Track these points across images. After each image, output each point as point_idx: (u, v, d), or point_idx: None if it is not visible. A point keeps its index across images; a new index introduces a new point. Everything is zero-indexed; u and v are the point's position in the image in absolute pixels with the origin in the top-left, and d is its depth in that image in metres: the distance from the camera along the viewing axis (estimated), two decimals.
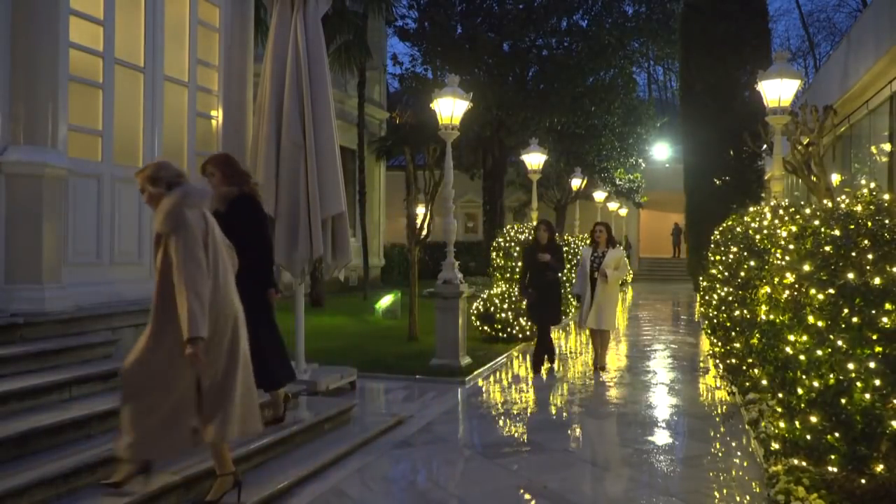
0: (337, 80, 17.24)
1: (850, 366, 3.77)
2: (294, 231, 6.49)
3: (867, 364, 3.75)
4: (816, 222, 4.32)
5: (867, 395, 3.74)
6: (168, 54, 6.68)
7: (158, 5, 6.57)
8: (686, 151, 22.69)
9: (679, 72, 25.01)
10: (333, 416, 5.95)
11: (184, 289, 3.71)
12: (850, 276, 3.87)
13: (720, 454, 5.70)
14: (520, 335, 10.86)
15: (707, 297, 9.88)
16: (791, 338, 4.14)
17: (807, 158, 11.44)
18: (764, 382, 4.89)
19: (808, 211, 5.02)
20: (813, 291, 4.01)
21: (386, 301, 13.96)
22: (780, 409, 4.38)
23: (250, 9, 7.50)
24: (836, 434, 3.84)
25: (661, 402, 7.54)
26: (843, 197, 4.96)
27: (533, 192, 16.66)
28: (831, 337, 3.88)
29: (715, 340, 8.36)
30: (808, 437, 3.95)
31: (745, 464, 5.32)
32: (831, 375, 3.83)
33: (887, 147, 13.28)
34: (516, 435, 6.29)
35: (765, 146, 15.65)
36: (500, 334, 10.89)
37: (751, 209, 7.94)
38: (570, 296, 11.89)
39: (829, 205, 5.05)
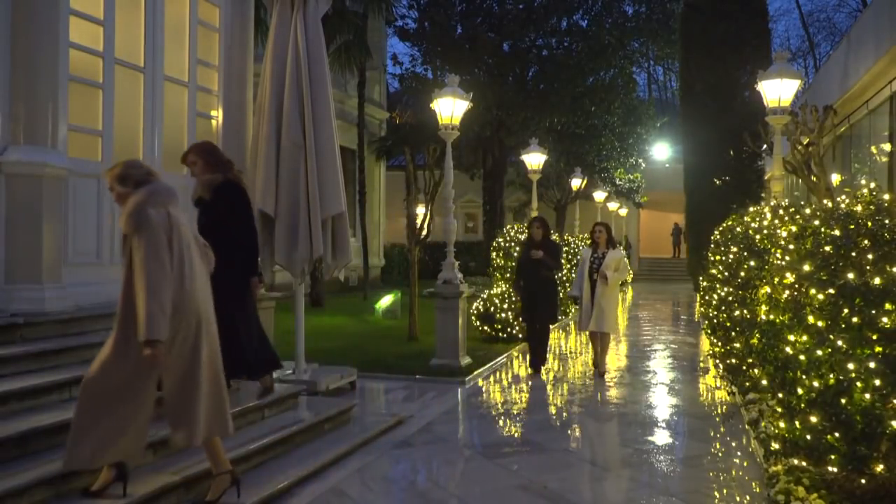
0: (337, 80, 17.24)
1: (850, 366, 3.77)
2: (294, 231, 6.50)
3: (867, 364, 3.75)
4: (816, 222, 4.33)
5: (867, 395, 3.74)
6: (168, 54, 6.67)
7: (158, 5, 6.56)
8: (686, 151, 22.69)
9: (679, 72, 25.02)
10: (333, 416, 5.95)
11: (143, 290, 3.64)
12: (850, 276, 3.87)
13: (720, 454, 5.70)
14: (520, 335, 10.84)
15: (707, 297, 9.88)
16: (791, 338, 4.14)
17: (807, 158, 11.44)
18: (764, 382, 4.89)
19: (808, 211, 5.02)
20: (813, 291, 4.01)
21: (386, 301, 13.96)
22: (780, 409, 4.38)
23: (250, 9, 7.50)
24: (836, 434, 3.84)
25: (661, 402, 7.53)
26: (843, 197, 4.96)
27: (533, 192, 16.66)
28: (831, 337, 3.88)
29: (715, 340, 8.36)
30: (808, 437, 3.95)
31: (745, 464, 5.32)
32: (831, 375, 3.84)
33: (887, 147, 13.28)
34: (516, 435, 6.29)
35: (765, 146, 15.64)
36: (500, 334, 10.88)
37: (751, 209, 7.94)
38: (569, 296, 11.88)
39: (829, 205, 5.05)
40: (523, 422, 6.77)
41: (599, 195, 25.71)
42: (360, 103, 18.53)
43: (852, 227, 4.10)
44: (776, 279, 4.60)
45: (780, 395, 4.32)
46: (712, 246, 9.71)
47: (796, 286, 4.25)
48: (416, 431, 6.16)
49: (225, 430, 4.10)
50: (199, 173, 5.17)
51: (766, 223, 6.16)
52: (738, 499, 4.65)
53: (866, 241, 4.01)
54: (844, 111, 15.46)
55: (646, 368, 9.47)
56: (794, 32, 61.11)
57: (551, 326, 9.44)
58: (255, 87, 7.13)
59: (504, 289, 11.42)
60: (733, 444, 5.88)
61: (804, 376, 3.96)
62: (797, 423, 4.01)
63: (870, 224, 4.09)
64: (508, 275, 11.85)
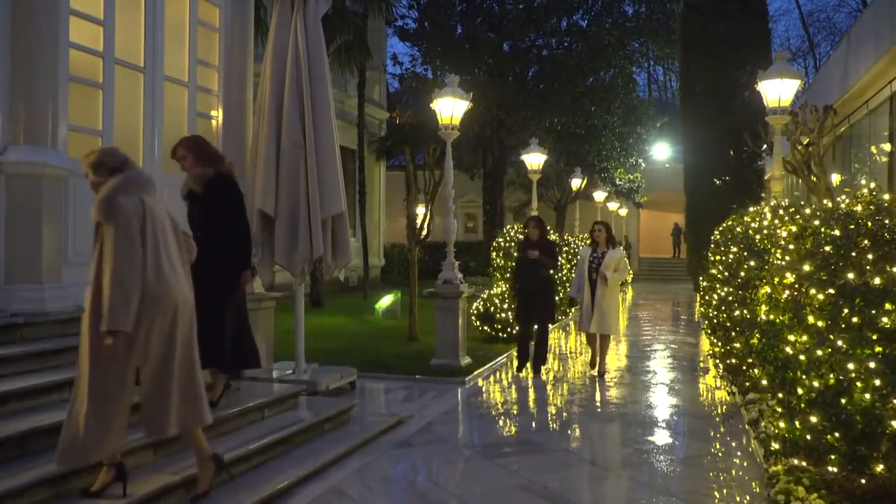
0: (337, 80, 17.25)
1: (850, 366, 3.77)
2: (294, 231, 6.50)
3: (867, 364, 3.75)
4: (816, 222, 4.33)
5: (867, 395, 3.74)
6: (168, 54, 6.67)
7: (158, 5, 6.56)
8: (686, 151, 22.69)
9: (679, 72, 25.01)
10: (333, 416, 5.95)
11: (110, 279, 3.59)
12: (850, 276, 3.87)
13: (720, 454, 5.70)
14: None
15: (707, 297, 9.87)
16: (791, 338, 4.14)
17: (807, 158, 11.45)
18: (764, 382, 4.88)
19: (808, 211, 5.02)
20: (813, 291, 4.01)
21: (386, 301, 13.96)
22: (780, 409, 4.38)
23: (250, 9, 7.50)
24: (836, 434, 3.84)
25: (661, 402, 7.53)
26: (843, 197, 4.96)
27: (533, 192, 16.66)
28: (831, 337, 3.88)
29: (715, 340, 8.35)
30: (808, 437, 3.95)
31: (745, 464, 5.32)
32: (831, 375, 3.83)
33: (887, 147, 13.28)
34: (516, 435, 6.29)
35: (765, 146, 15.65)
36: (500, 334, 10.88)
37: (751, 209, 7.93)
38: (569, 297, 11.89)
39: (829, 205, 5.05)
40: (523, 422, 6.76)
41: (599, 195, 25.71)
42: (360, 103, 18.53)
43: (852, 227, 4.10)
44: (776, 279, 4.60)
45: (780, 395, 4.32)
46: (712, 246, 9.71)
47: (796, 286, 4.25)
48: (416, 431, 6.16)
49: (200, 420, 4.04)
50: (189, 167, 5.12)
51: (766, 223, 6.16)
52: (738, 499, 4.65)
53: (866, 241, 4.01)
54: (844, 111, 15.46)
55: (646, 368, 9.47)
56: (794, 32, 61.17)
57: (550, 326, 9.41)
58: (255, 87, 7.13)
59: (504, 289, 11.42)
60: (733, 444, 5.88)
61: (804, 376, 3.96)
62: (797, 423, 4.01)
63: (870, 224, 4.09)
64: (508, 275, 11.84)
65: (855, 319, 3.84)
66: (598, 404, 7.43)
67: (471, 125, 17.60)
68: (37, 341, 5.05)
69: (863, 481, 4.03)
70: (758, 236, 6.26)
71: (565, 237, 16.75)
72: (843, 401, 3.79)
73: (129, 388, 3.80)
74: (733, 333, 6.94)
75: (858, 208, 4.32)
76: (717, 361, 8.03)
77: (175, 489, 4.16)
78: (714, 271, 8.89)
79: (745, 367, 6.45)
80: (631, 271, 25.00)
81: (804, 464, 4.22)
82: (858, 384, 3.76)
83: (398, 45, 64.32)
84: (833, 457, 3.92)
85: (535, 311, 8.60)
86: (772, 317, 4.56)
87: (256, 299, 7.06)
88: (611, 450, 6.04)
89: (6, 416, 4.22)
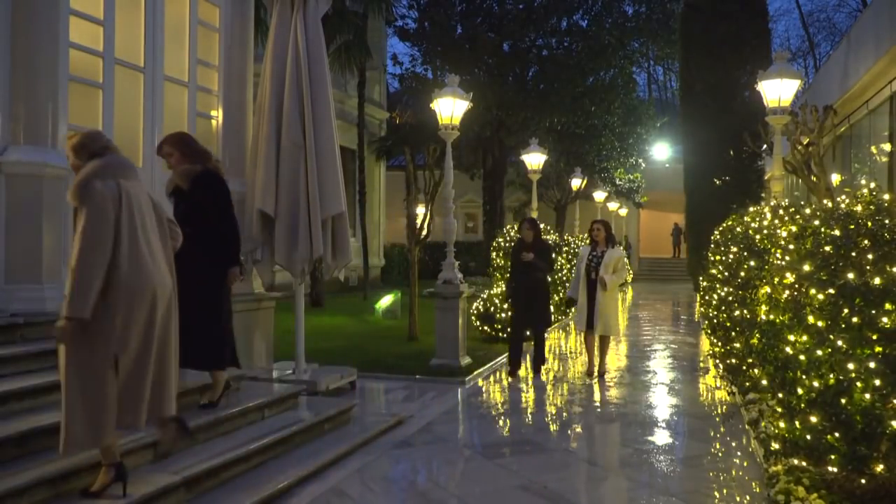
0: (337, 80, 17.24)
1: (850, 366, 3.77)
2: (294, 231, 6.50)
3: (867, 364, 3.75)
4: (816, 222, 4.33)
5: (867, 395, 3.74)
6: (168, 54, 6.67)
7: (158, 5, 6.56)
8: (686, 151, 22.70)
9: (679, 72, 25.03)
10: (333, 416, 5.95)
11: (75, 264, 3.54)
12: (850, 276, 3.87)
13: (720, 454, 5.70)
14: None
15: (707, 297, 9.88)
16: (791, 338, 4.14)
17: (807, 158, 11.45)
18: (764, 382, 4.89)
19: (808, 211, 5.02)
20: (813, 291, 4.01)
21: (386, 301, 13.96)
22: (780, 409, 4.38)
23: (250, 9, 7.50)
24: (836, 434, 3.84)
25: (661, 403, 7.53)
26: (843, 197, 4.97)
27: (533, 192, 16.66)
28: (831, 337, 3.88)
29: (715, 340, 8.35)
30: (808, 437, 3.95)
31: (745, 464, 5.32)
32: (831, 375, 3.84)
33: (887, 147, 13.29)
34: (516, 435, 6.29)
35: (765, 146, 15.65)
36: (500, 334, 10.87)
37: (751, 209, 7.93)
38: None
39: (829, 205, 5.05)
40: (523, 422, 6.77)
41: (599, 195, 25.73)
42: (360, 103, 18.54)
43: (852, 227, 4.10)
44: (776, 279, 4.60)
45: (780, 395, 4.32)
46: (712, 246, 9.71)
47: (796, 286, 4.25)
48: (416, 431, 6.16)
49: (169, 411, 3.96)
50: (175, 164, 5.07)
51: (766, 223, 6.16)
52: (738, 499, 4.65)
53: (866, 241, 4.01)
54: (844, 111, 15.46)
55: (646, 368, 9.47)
56: (794, 32, 61.23)
57: (547, 331, 9.29)
58: (255, 87, 7.13)
59: (504, 289, 11.42)
60: (733, 444, 5.88)
61: (804, 376, 3.96)
62: (797, 423, 4.01)
63: (870, 224, 4.09)
64: (508, 275, 11.83)
65: (855, 319, 3.84)
66: (598, 404, 7.43)
67: (471, 125, 17.60)
68: (37, 341, 5.05)
69: (863, 481, 4.03)
70: (758, 236, 6.26)
71: (565, 237, 16.74)
72: (843, 401, 3.79)
73: (109, 374, 3.70)
74: (733, 333, 6.95)
75: (858, 208, 4.32)
76: (717, 361, 8.03)
77: (175, 489, 4.16)
78: (714, 271, 8.89)
79: (745, 367, 6.45)
80: (631, 271, 25.12)
81: (804, 464, 4.22)
82: (858, 384, 3.76)
83: (398, 45, 64.41)
84: (833, 457, 3.92)
85: (531, 314, 8.47)
86: (772, 317, 4.56)
87: (256, 299, 7.07)
88: (611, 450, 6.04)
89: (6, 416, 4.22)
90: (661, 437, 6.17)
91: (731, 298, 7.07)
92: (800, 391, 3.99)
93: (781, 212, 6.18)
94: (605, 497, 4.91)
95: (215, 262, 5.07)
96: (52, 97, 5.36)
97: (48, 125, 5.32)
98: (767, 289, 5.02)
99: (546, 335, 9.06)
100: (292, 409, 5.91)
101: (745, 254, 6.46)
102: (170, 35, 6.70)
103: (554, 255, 10.78)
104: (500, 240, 12.88)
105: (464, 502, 4.56)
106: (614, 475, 5.27)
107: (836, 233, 4.10)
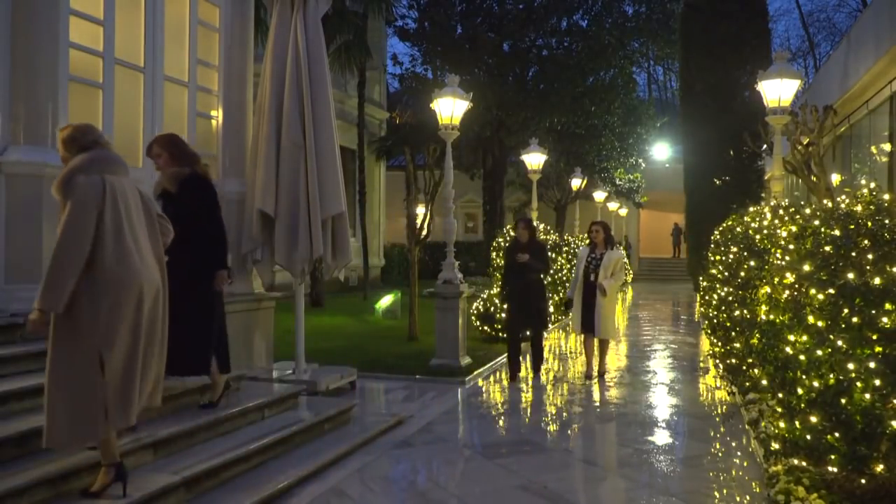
0: (337, 80, 17.25)
1: (850, 366, 3.78)
2: (294, 231, 6.50)
3: (867, 364, 3.75)
4: (816, 222, 4.33)
5: (867, 395, 3.74)
6: (168, 54, 6.67)
7: (158, 5, 6.56)
8: (686, 151, 22.71)
9: (679, 72, 25.03)
10: (333, 416, 5.95)
11: (53, 258, 3.51)
12: (850, 276, 3.88)
13: (720, 454, 5.70)
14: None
15: (707, 297, 9.88)
16: (791, 338, 4.14)
17: (807, 158, 11.46)
18: (764, 382, 4.89)
19: (808, 211, 5.03)
20: (813, 291, 4.01)
21: (386, 301, 13.96)
22: (780, 409, 4.38)
23: (250, 9, 7.50)
24: (836, 434, 3.84)
25: (661, 402, 7.53)
26: (843, 197, 4.97)
27: (533, 192, 16.66)
28: (831, 337, 3.88)
29: (715, 340, 8.35)
30: (808, 437, 3.95)
31: (745, 464, 5.32)
32: (831, 375, 3.84)
33: (887, 147, 13.29)
34: (516, 435, 6.29)
35: (765, 146, 15.66)
36: (500, 334, 10.85)
37: (751, 209, 7.93)
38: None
39: (829, 205, 5.05)
40: (523, 422, 6.77)
41: (599, 195, 25.72)
42: (360, 103, 18.54)
43: (852, 227, 4.10)
44: (776, 279, 4.60)
45: (780, 395, 4.32)
46: (712, 246, 9.71)
47: (796, 286, 4.25)
48: (416, 431, 6.16)
49: (154, 403, 3.98)
50: (163, 166, 5.05)
51: (766, 223, 6.16)
52: (738, 499, 4.65)
53: (866, 241, 4.02)
54: (844, 111, 15.47)
55: (646, 368, 9.47)
56: (794, 32, 61.21)
57: (545, 333, 9.21)
58: (255, 87, 7.13)
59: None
60: (733, 444, 5.88)
61: (804, 376, 3.96)
62: (797, 423, 4.01)
63: (870, 224, 4.09)
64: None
65: (855, 319, 3.84)
66: (598, 404, 7.43)
67: (471, 125, 17.59)
68: (37, 341, 5.01)
69: (863, 481, 4.03)
70: (758, 236, 6.27)
71: (565, 237, 16.74)
72: (843, 401, 3.79)
73: (93, 371, 3.66)
74: (733, 333, 6.95)
75: (858, 208, 4.32)
76: (717, 361, 8.03)
77: (175, 489, 4.16)
78: (714, 271, 8.89)
79: (745, 367, 6.45)
80: (631, 271, 25.13)
81: (804, 464, 4.22)
82: (858, 384, 3.76)
83: (398, 45, 64.38)
84: (833, 457, 3.92)
85: (528, 316, 8.36)
86: (772, 317, 4.56)
87: (256, 299, 7.07)
88: (610, 450, 6.04)
89: (6, 416, 4.22)
90: (661, 437, 6.18)
91: (731, 298, 7.07)
92: (800, 391, 3.99)
93: (781, 212, 6.18)
94: (604, 497, 4.91)
95: (202, 265, 5.05)
96: (52, 97, 5.36)
97: (48, 125, 5.31)
98: (767, 289, 5.02)
99: (546, 335, 9.03)
100: (292, 409, 5.91)
101: (745, 254, 6.46)
102: (170, 35, 6.70)
103: (552, 255, 10.77)
104: (500, 240, 12.87)
105: (464, 502, 4.56)
106: (614, 475, 5.27)
107: (836, 233, 4.10)
